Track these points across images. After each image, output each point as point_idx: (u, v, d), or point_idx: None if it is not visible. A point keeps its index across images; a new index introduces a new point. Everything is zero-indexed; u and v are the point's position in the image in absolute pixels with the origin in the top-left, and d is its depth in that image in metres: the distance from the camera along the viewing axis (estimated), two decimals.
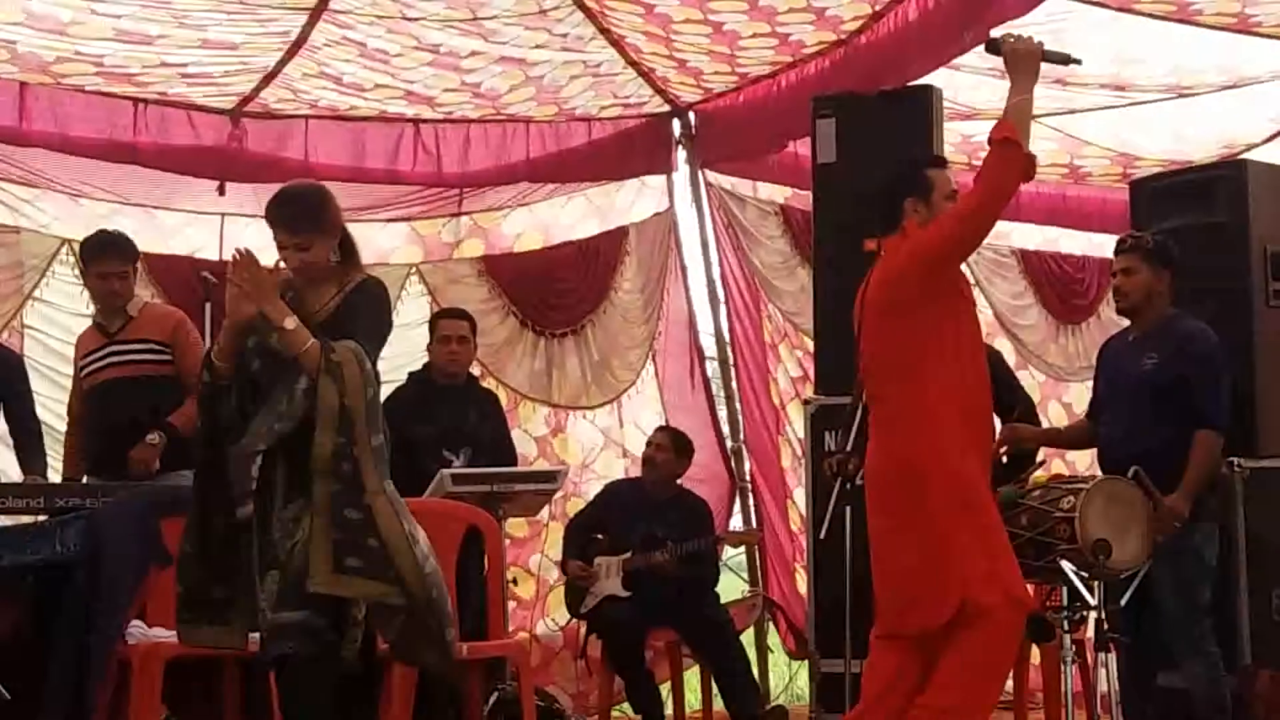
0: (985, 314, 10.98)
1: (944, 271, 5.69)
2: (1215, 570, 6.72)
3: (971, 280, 10.76)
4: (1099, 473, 6.81)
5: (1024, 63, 5.65)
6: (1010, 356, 10.87)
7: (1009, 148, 5.51)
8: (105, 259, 7.47)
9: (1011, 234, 11.14)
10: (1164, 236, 7.04)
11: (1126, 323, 7.08)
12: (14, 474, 7.48)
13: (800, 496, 9.89)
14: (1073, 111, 9.73)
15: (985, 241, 10.86)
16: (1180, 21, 8.37)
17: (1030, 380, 10.99)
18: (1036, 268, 11.22)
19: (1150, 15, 8.31)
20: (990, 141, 5.64)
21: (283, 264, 5.45)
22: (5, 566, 6.21)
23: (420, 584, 5.32)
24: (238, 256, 5.35)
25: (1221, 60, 8.88)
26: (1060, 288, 11.25)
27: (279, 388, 5.31)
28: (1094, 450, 7.18)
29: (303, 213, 5.47)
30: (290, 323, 5.27)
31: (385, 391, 8.52)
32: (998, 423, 7.07)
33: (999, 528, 5.64)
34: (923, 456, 5.54)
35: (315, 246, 5.44)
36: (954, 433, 5.53)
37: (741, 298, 10.33)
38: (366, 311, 5.54)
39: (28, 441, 7.45)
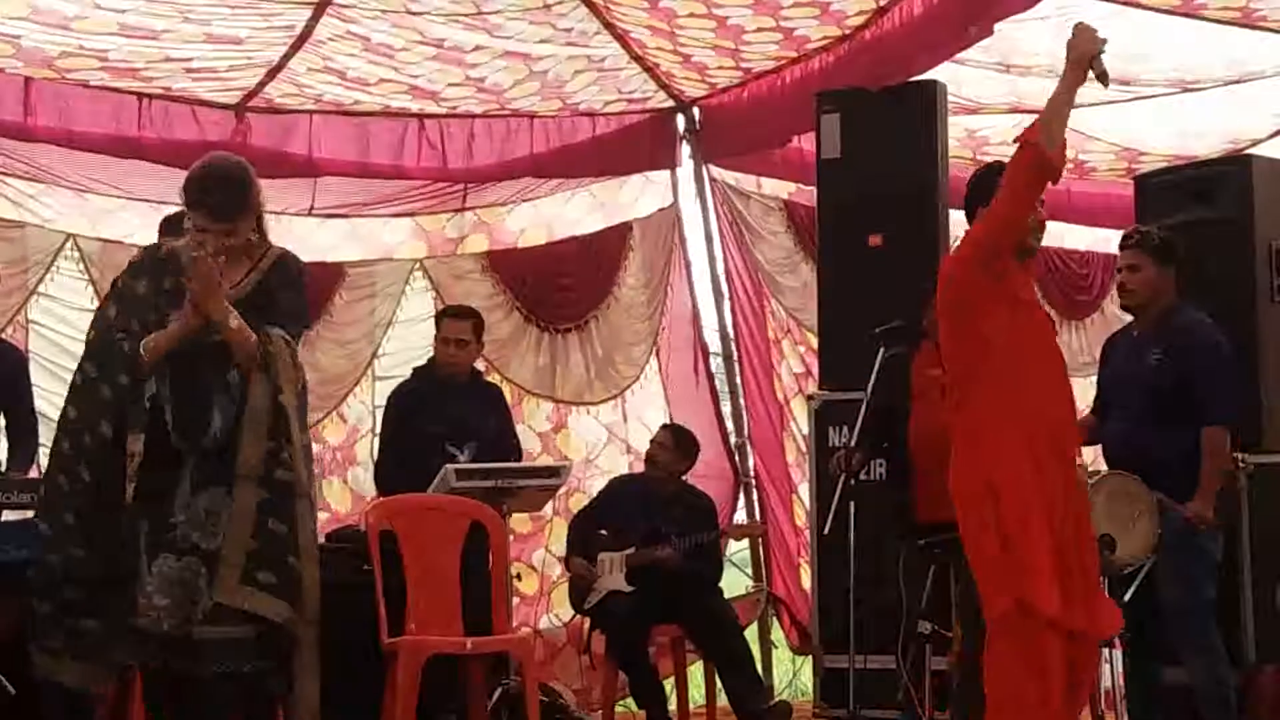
0: None
1: (977, 279, 5.45)
2: (1220, 567, 6.72)
3: None
4: (1104, 469, 6.80)
5: (1074, 52, 5.50)
6: None
7: (1025, 150, 5.40)
8: None
9: None
10: (1169, 232, 7.03)
11: (1130, 319, 7.08)
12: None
13: (805, 492, 9.89)
14: (1077, 106, 9.68)
15: None
16: (1185, 15, 8.36)
17: None
18: (1040, 263, 11.19)
19: (1155, 9, 8.29)
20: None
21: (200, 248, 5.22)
22: (7, 562, 6.19)
23: (315, 606, 5.26)
24: (200, 257, 5.13)
25: (1227, 55, 8.87)
26: (1065, 283, 11.24)
27: (208, 381, 5.22)
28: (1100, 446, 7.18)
29: (232, 199, 5.27)
30: (234, 321, 5.13)
31: (389, 386, 8.66)
32: None
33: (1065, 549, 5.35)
34: (988, 472, 5.35)
35: (240, 229, 5.27)
36: (1016, 449, 5.30)
37: (745, 293, 10.32)
38: (286, 289, 5.38)
39: (19, 438, 7.44)
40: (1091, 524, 5.47)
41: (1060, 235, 11.26)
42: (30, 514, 6.68)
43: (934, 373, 7.29)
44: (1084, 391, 8.02)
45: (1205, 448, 6.57)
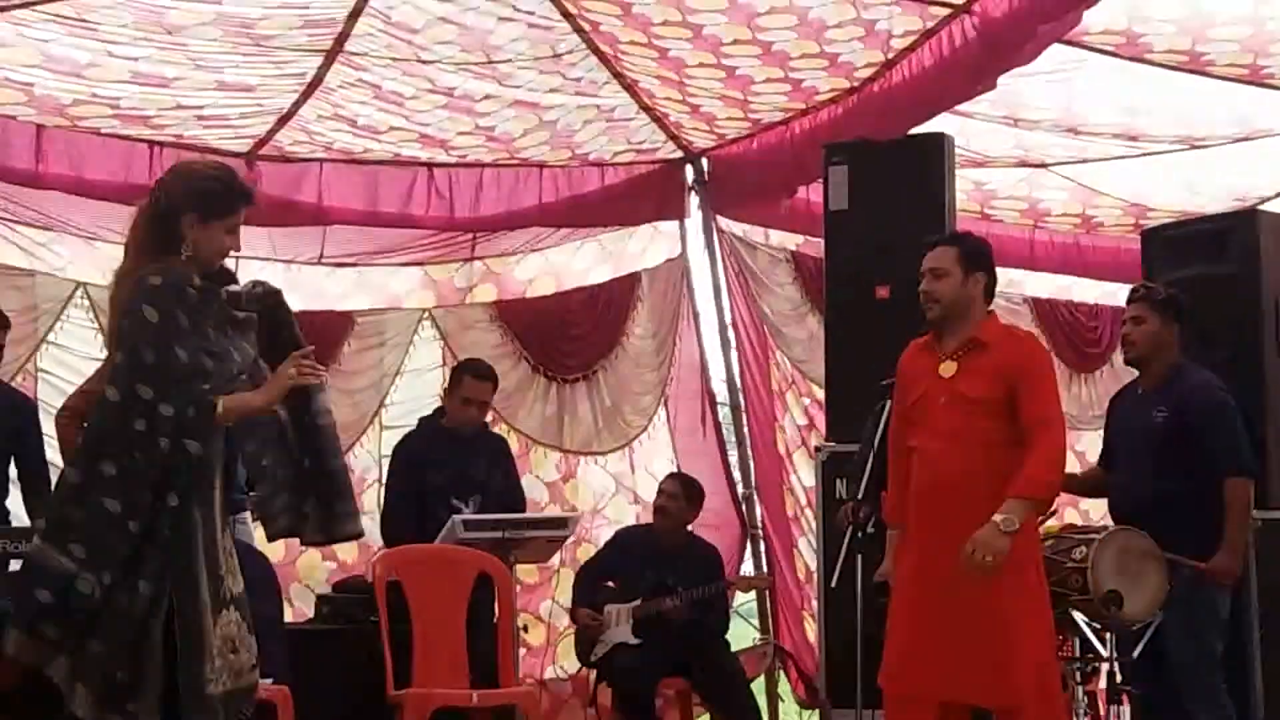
0: None
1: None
2: (1228, 622, 6.70)
3: None
4: (1111, 524, 6.79)
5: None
6: None
7: None
8: None
9: (1024, 282, 11.15)
10: (1176, 290, 7.03)
11: (1135, 374, 7.09)
12: (25, 518, 7.45)
13: (805, 545, 9.88)
14: (1085, 161, 9.74)
15: (998, 289, 10.91)
16: (1192, 72, 8.38)
17: None
18: (1049, 316, 11.21)
19: (1162, 65, 8.32)
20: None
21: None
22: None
23: None
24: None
25: (1234, 112, 8.89)
26: (1073, 336, 11.24)
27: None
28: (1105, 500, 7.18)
29: None
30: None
31: (397, 435, 8.65)
32: None
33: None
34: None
35: None
36: None
37: (751, 344, 10.33)
38: None
39: (35, 488, 7.43)
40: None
41: (1068, 288, 11.27)
42: None
43: None
44: (1093, 444, 8.03)
45: (1229, 501, 6.57)
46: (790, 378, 10.32)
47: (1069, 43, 7.95)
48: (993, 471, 5.74)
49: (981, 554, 5.55)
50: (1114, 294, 10.80)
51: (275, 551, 8.21)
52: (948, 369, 6.00)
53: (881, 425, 7.19)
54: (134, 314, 4.93)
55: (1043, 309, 11.22)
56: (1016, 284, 11.13)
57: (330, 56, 8.20)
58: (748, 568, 10.14)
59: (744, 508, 10.22)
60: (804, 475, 9.82)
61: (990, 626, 5.64)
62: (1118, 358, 10.46)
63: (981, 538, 5.58)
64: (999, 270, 10.79)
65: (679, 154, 9.93)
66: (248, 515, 7.17)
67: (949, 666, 5.69)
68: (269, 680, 6.29)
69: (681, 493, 8.76)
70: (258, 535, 6.60)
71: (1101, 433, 7.34)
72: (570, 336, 10.04)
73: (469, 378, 8.18)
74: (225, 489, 5.12)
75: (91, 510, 4.85)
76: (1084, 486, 7.55)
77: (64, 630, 4.85)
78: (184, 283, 5.01)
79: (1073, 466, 10.32)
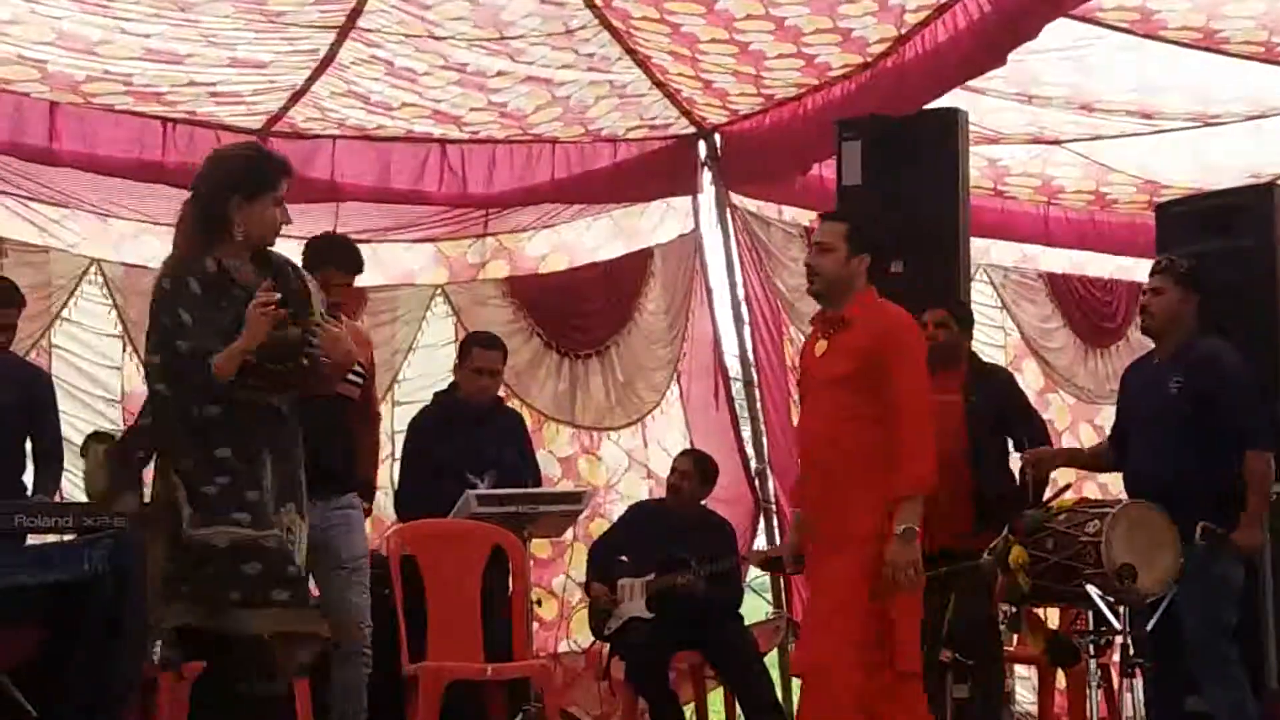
0: (1013, 336, 10.98)
1: None
2: (1240, 594, 6.70)
3: (999, 303, 10.90)
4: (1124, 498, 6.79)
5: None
6: (1039, 379, 10.88)
7: None
8: None
9: (1039, 257, 11.15)
10: (1196, 262, 7.03)
11: (1151, 345, 7.08)
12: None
13: None
14: (1099, 138, 9.73)
15: (1012, 264, 10.89)
16: (1206, 49, 8.35)
17: (1061, 402, 11.00)
18: (1064, 291, 11.21)
19: (1176, 43, 8.29)
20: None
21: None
22: (32, 586, 6.21)
23: None
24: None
25: (1248, 90, 8.86)
26: (1088, 311, 11.24)
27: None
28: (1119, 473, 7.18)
29: None
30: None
31: (410, 411, 8.66)
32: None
33: None
34: None
35: None
36: None
37: (764, 320, 10.33)
38: None
39: (45, 463, 7.46)
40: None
41: (1083, 263, 11.26)
42: (54, 538, 6.71)
43: (943, 398, 7.31)
44: (1110, 418, 8.01)
45: (1250, 473, 6.57)
46: None
47: (1083, 19, 7.93)
48: (860, 447, 5.83)
49: (902, 574, 5.69)
50: (1129, 269, 10.83)
51: None
52: (820, 348, 6.08)
53: None
54: (152, 318, 5.33)
55: (1058, 284, 11.22)
56: (1031, 259, 11.14)
57: (343, 33, 8.19)
58: (760, 543, 10.16)
59: (757, 483, 10.22)
60: None
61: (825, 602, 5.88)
62: (1134, 332, 10.50)
63: (892, 559, 5.71)
64: (1013, 245, 11.02)
65: (691, 130, 9.91)
66: None
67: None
68: None
69: (695, 469, 8.78)
70: None
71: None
72: (583, 312, 10.04)
73: (477, 348, 8.21)
74: None
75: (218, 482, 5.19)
76: (1090, 460, 7.56)
77: (291, 589, 5.26)
78: (189, 275, 5.33)
79: (1090, 441, 10.39)
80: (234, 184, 5.40)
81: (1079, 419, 11.04)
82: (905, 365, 5.94)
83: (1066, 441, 10.66)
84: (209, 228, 5.38)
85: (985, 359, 8.40)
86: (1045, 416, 10.68)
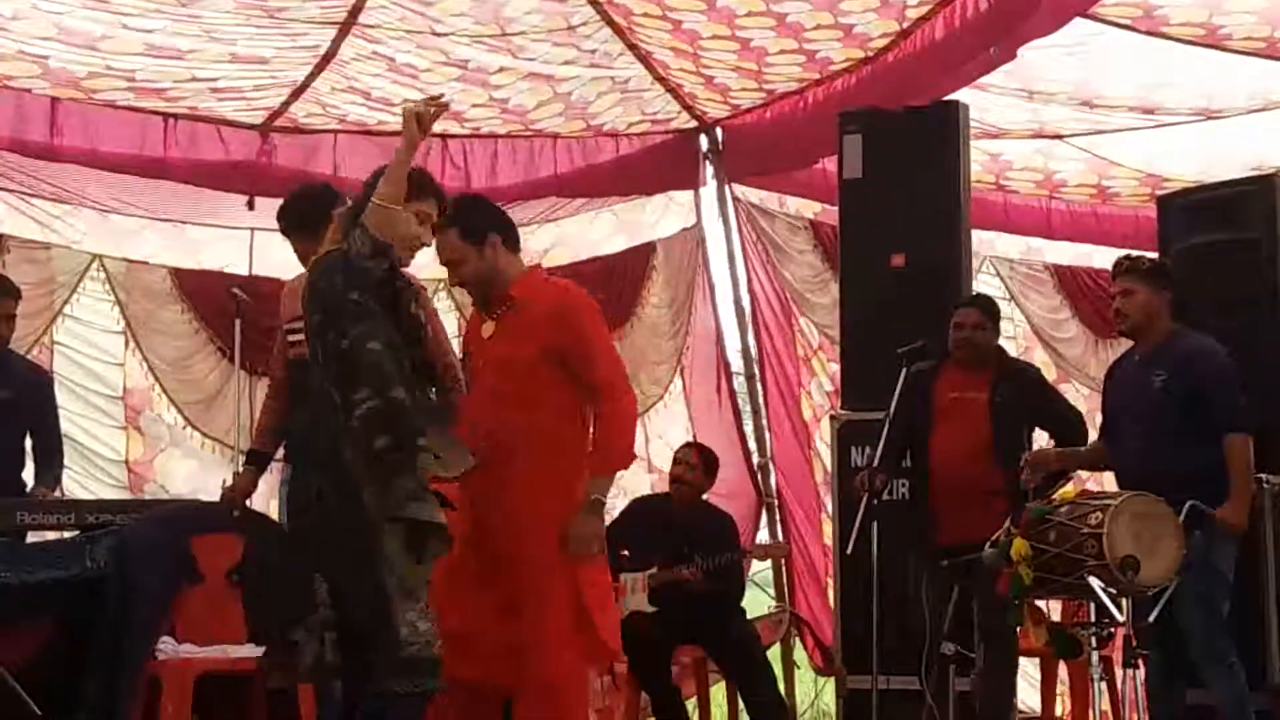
0: (1021, 327, 10.99)
1: None
2: (1232, 583, 6.69)
3: (1007, 294, 10.92)
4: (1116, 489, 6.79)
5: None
6: (1051, 370, 10.89)
7: None
8: None
9: (1044, 249, 11.14)
10: (1162, 258, 7.02)
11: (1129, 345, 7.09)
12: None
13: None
14: (1100, 132, 9.73)
15: (1019, 257, 10.87)
16: (1209, 46, 8.35)
17: (1074, 393, 10.98)
18: (1071, 283, 11.21)
19: (1179, 40, 8.29)
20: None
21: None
22: (36, 583, 6.23)
23: None
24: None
25: (1251, 84, 8.85)
26: (1096, 302, 11.22)
27: None
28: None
29: None
30: None
31: None
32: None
33: None
34: None
35: None
36: None
37: (772, 312, 10.32)
38: None
39: (46, 460, 7.46)
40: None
41: (1089, 255, 11.26)
42: (54, 535, 6.72)
43: (956, 395, 7.32)
44: None
45: (1230, 455, 6.56)
46: (818, 344, 10.28)
47: (1085, 16, 7.93)
48: (531, 431, 5.56)
49: (586, 546, 5.51)
50: None
51: None
52: (487, 329, 5.77)
53: (899, 394, 7.23)
54: None
55: (1064, 276, 11.22)
56: (1036, 251, 11.13)
57: (344, 29, 8.21)
58: (763, 537, 10.16)
59: (759, 477, 10.23)
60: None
61: (522, 605, 5.50)
62: None
63: (576, 533, 5.50)
64: (1016, 238, 11.02)
65: (693, 124, 9.91)
66: None
67: (482, 647, 5.49)
68: None
69: (698, 462, 8.77)
70: None
71: None
72: None
73: None
74: None
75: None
76: (1085, 460, 7.54)
77: None
78: None
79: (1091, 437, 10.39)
80: None
81: (1093, 409, 10.98)
82: (594, 343, 5.70)
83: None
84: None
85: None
86: None
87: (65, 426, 7.87)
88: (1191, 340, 6.81)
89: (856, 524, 7.09)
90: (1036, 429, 7.51)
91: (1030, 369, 7.91)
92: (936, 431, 7.29)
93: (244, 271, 9.13)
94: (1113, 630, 6.21)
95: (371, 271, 5.07)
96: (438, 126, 9.26)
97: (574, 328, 5.66)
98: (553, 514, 5.55)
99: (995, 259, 11.02)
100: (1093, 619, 6.17)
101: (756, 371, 10.30)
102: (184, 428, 9.18)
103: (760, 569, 10.00)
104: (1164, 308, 6.83)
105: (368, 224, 5.07)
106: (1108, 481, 9.28)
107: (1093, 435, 7.41)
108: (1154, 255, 7.09)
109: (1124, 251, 10.97)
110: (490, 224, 5.75)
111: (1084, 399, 10.97)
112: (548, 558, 5.52)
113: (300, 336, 5.74)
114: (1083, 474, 9.02)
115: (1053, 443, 7.34)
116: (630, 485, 9.84)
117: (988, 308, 7.58)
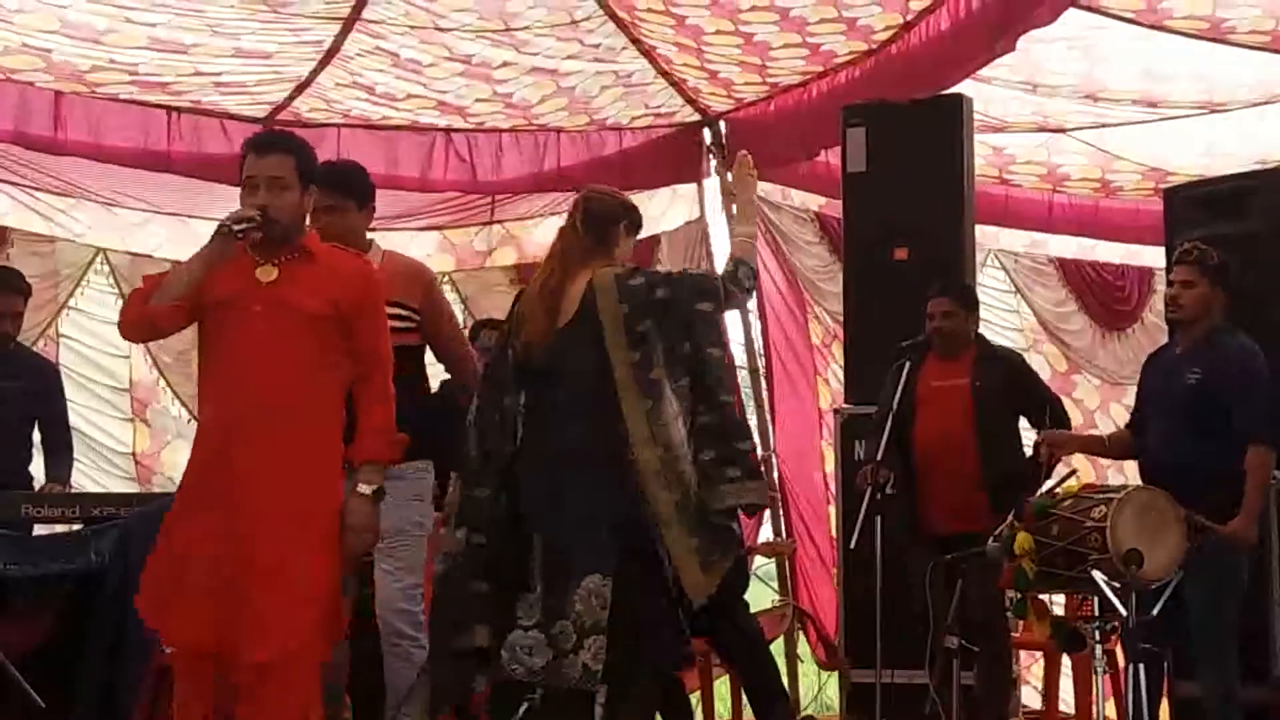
0: (1028, 320, 10.98)
1: None
2: (1244, 587, 6.68)
3: (1012, 287, 10.91)
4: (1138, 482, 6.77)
5: None
6: (1061, 362, 10.88)
7: None
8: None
9: (1048, 242, 11.13)
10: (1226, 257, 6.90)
11: (1170, 333, 7.05)
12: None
13: None
14: (1104, 125, 9.71)
15: (1023, 249, 10.84)
16: (1213, 40, 8.33)
17: (1087, 384, 10.99)
18: (1076, 275, 11.21)
19: (1183, 33, 8.27)
20: None
21: None
22: (40, 575, 6.23)
23: None
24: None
25: (1254, 77, 8.83)
26: (1102, 295, 11.23)
27: None
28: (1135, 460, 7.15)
29: None
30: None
31: None
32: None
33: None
34: None
35: None
36: None
37: (784, 301, 10.31)
38: None
39: (56, 451, 7.46)
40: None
41: (1092, 248, 11.25)
42: (63, 528, 6.72)
43: (937, 383, 7.30)
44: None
45: (1250, 468, 6.51)
46: (833, 332, 10.19)
47: (1089, 9, 7.92)
48: (306, 394, 5.17)
49: (369, 541, 5.26)
50: (1138, 254, 10.85)
51: None
52: (267, 273, 5.29)
53: (900, 387, 7.23)
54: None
55: (1069, 269, 11.22)
56: (1040, 244, 11.13)
57: (348, 24, 8.21)
58: (766, 530, 10.15)
59: (762, 470, 10.20)
60: None
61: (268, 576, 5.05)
62: (1148, 315, 10.49)
63: (357, 525, 5.17)
64: (1019, 233, 11.03)
65: (696, 117, 9.92)
66: None
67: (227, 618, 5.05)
68: None
69: None
70: None
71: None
72: None
73: (485, 330, 8.24)
74: None
75: None
76: (1111, 449, 7.51)
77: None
78: None
79: (1123, 419, 10.38)
80: None
81: (1108, 399, 11.01)
82: (375, 322, 5.36)
83: (1099, 421, 10.69)
84: None
85: (1002, 342, 8.40)
86: (1075, 398, 10.67)
87: (72, 419, 7.87)
88: (1233, 342, 6.71)
89: (860, 517, 7.09)
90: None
91: (1011, 355, 7.83)
92: (919, 420, 7.27)
93: None
94: (1116, 624, 6.20)
95: None
96: (441, 120, 9.36)
97: (366, 300, 5.31)
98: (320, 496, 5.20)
99: (1000, 252, 11.02)
100: (1096, 613, 6.16)
101: (760, 364, 10.28)
102: (190, 420, 9.18)
103: (763, 563, 9.99)
104: (1218, 306, 6.75)
105: None
106: (1129, 471, 9.31)
107: (1108, 427, 7.36)
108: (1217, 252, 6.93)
109: (1127, 246, 11.05)
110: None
111: (1095, 390, 10.99)
112: (309, 538, 5.13)
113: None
114: (1103, 461, 9.04)
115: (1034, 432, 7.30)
116: None
117: (959, 295, 7.48)
